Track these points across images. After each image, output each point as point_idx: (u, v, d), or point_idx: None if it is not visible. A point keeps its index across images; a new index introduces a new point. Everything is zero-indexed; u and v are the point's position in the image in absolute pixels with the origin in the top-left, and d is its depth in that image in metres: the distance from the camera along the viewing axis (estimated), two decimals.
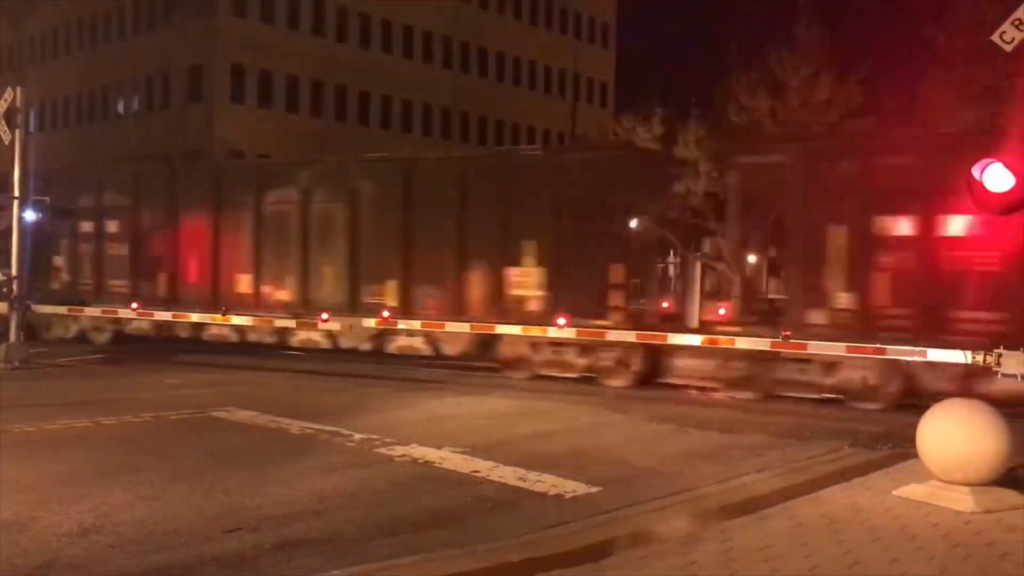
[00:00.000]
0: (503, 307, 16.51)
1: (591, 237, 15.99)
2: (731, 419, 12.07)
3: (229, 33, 43.77)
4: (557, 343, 15.98)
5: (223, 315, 19.18)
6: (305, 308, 18.31)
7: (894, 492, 7.35)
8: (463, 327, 16.91)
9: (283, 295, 18.87)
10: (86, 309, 21.22)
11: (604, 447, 9.89)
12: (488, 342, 16.79)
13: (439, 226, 17.21)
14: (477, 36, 54.53)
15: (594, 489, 7.82)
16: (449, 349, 17.24)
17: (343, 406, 12.53)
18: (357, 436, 10.11)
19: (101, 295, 21.06)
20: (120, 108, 48.93)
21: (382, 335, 17.74)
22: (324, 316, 18.12)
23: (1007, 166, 8.20)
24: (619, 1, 64.53)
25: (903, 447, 9.05)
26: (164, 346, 20.03)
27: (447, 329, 17.04)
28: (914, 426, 7.38)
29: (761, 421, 11.94)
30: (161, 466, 8.41)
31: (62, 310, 21.33)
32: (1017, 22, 8.35)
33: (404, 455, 9.14)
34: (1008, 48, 8.51)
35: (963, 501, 6.90)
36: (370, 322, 17.50)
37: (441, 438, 10.02)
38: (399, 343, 17.72)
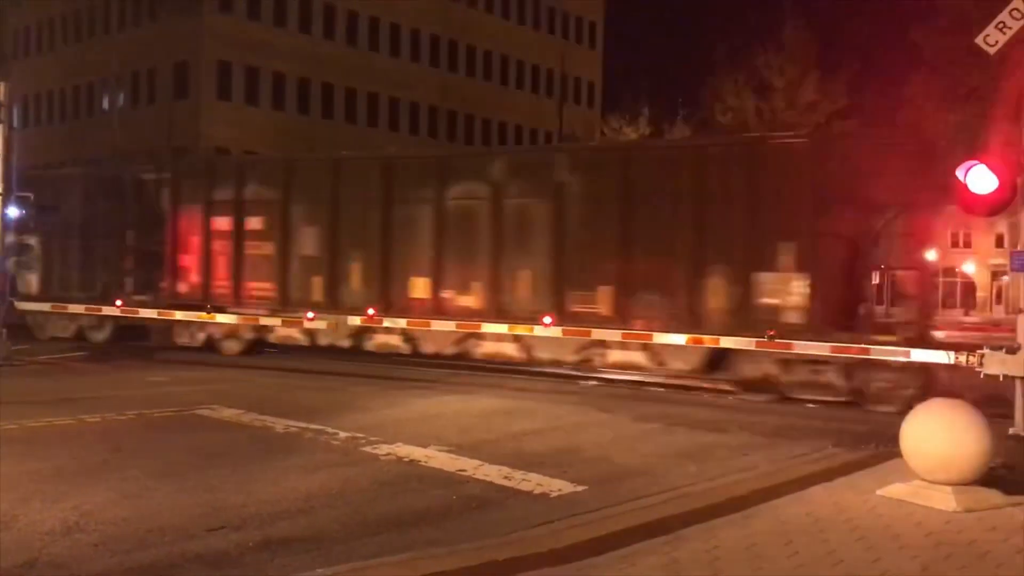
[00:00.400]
0: (749, 318, 14.17)
1: (873, 239, 13.79)
2: (717, 419, 12.11)
3: (215, 30, 43.65)
4: (815, 361, 13.72)
5: (207, 313, 19.04)
6: (497, 316, 16.23)
7: (878, 491, 7.40)
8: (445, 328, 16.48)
9: (468, 301, 16.64)
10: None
11: (590, 446, 9.89)
12: (720, 358, 14.54)
13: (666, 224, 14.97)
14: (464, 34, 54.57)
15: (579, 488, 7.83)
16: (677, 364, 14.99)
17: (329, 405, 12.50)
18: (342, 435, 10.09)
19: (240, 299, 18.86)
20: (105, 104, 48.67)
21: (591, 347, 15.54)
22: (310, 315, 17.97)
23: (990, 168, 8.25)
24: (606, 1, 64.76)
25: (887, 447, 9.11)
26: (150, 344, 19.92)
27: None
28: (898, 426, 7.43)
29: (747, 421, 11.98)
30: (145, 464, 8.37)
31: (149, 313, 19.62)
32: (1001, 25, 8.41)
33: (389, 454, 9.12)
34: (992, 51, 8.57)
35: (945, 500, 6.95)
36: (580, 332, 15.46)
37: (427, 437, 10.01)
38: (613, 358, 15.48)
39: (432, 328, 16.76)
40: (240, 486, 7.61)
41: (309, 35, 47.16)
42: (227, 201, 19.16)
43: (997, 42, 8.47)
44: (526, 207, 16.43)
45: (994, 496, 7.12)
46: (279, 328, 18.48)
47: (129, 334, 20.22)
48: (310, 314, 17.96)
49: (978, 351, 8.78)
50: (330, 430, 10.32)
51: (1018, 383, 8.35)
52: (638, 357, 15.22)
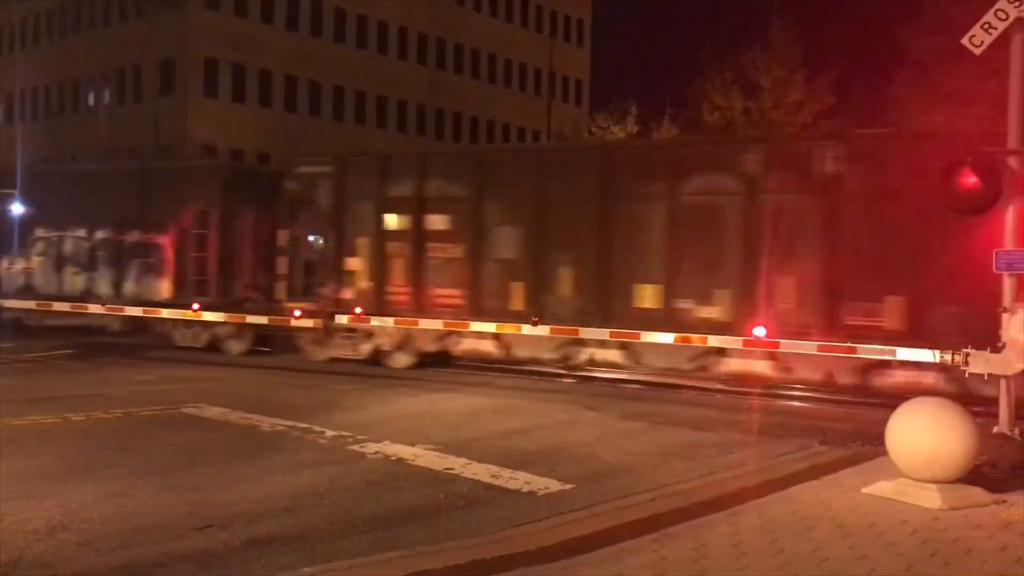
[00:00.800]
0: None
1: None
2: (703, 417, 12.14)
3: (202, 26, 43.45)
4: None
5: (194, 311, 18.92)
6: (750, 329, 13.99)
7: (863, 489, 7.44)
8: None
9: (710, 312, 14.48)
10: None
11: (577, 444, 9.91)
12: None
13: (982, 225, 11.39)
14: (453, 32, 54.51)
15: (567, 486, 7.84)
16: (990, 391, 12.80)
17: (315, 403, 12.48)
18: (329, 433, 10.07)
19: (421, 307, 16.80)
20: (91, 101, 48.41)
21: (874, 367, 13.34)
22: (297, 312, 17.82)
23: (974, 167, 8.30)
24: None
25: (872, 445, 9.16)
26: (132, 341, 19.80)
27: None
28: (883, 424, 7.48)
29: (733, 419, 12.02)
30: (131, 463, 8.34)
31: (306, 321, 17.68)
32: (986, 25, 8.46)
33: (377, 452, 9.11)
34: (977, 51, 8.62)
35: (931, 498, 7.00)
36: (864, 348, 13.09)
37: (414, 435, 10.00)
38: (898, 379, 13.16)
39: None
40: (226, 485, 7.58)
41: (296, 32, 47.01)
42: (405, 198, 17.32)
43: (983, 42, 8.52)
44: (786, 204, 14.15)
45: (979, 494, 7.17)
46: (467, 339, 16.61)
47: (270, 345, 19.01)
48: (297, 312, 17.84)
49: (963, 350, 8.81)
50: (317, 428, 10.30)
51: (1003, 382, 8.40)
52: (933, 379, 12.90)
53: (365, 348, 17.49)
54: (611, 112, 43.07)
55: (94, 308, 20.08)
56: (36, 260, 20.91)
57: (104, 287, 20.11)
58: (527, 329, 15.66)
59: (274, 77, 46.23)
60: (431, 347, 17.01)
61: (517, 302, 16.05)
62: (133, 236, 19.73)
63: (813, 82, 35.88)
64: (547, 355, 16.04)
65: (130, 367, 16.41)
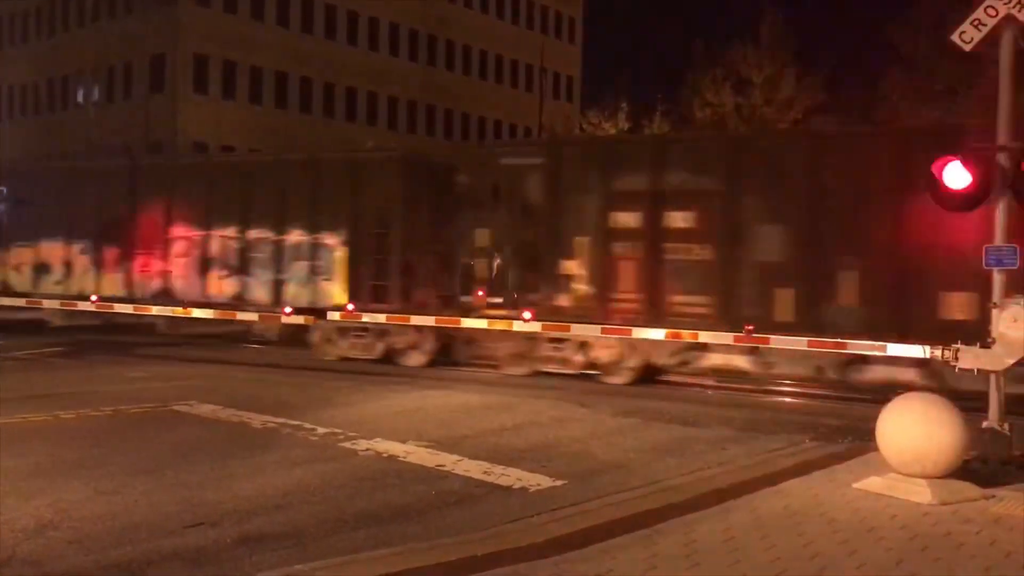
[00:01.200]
0: None
1: None
2: (694, 413, 12.17)
3: (192, 23, 43.29)
4: None
5: (184, 309, 18.87)
6: None
7: (854, 485, 7.46)
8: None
9: None
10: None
11: (569, 441, 9.92)
12: None
13: None
14: (444, 29, 54.45)
15: (559, 482, 7.85)
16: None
17: (307, 400, 12.46)
18: (321, 430, 10.06)
19: (658, 316, 14.83)
20: (80, 98, 48.16)
21: None
22: (288, 310, 17.77)
23: (965, 164, 8.33)
24: None
25: (863, 441, 9.19)
26: (125, 339, 19.76)
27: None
28: (874, 420, 7.50)
29: (724, 415, 12.05)
30: (121, 460, 8.32)
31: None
32: (976, 22, 8.48)
33: (368, 449, 9.11)
34: (967, 48, 8.64)
35: (921, 493, 7.02)
36: None
37: (406, 432, 10.00)
38: None
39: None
40: (217, 482, 7.57)
41: (287, 29, 46.87)
42: (636, 192, 15.27)
43: (972, 39, 8.54)
44: None
45: (969, 489, 7.20)
46: (714, 353, 14.69)
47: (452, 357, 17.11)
48: (288, 309, 17.78)
49: (953, 345, 8.84)
50: (308, 426, 10.29)
51: (992, 377, 8.43)
52: None
53: (578, 360, 15.65)
54: (602, 108, 43.14)
55: (84, 306, 19.96)
56: (176, 262, 19.25)
57: (260, 292, 18.32)
58: (518, 326, 15.67)
59: (264, 74, 46.10)
60: (663, 360, 15.20)
61: (783, 311, 14.01)
62: (295, 235, 17.96)
63: (804, 79, 36.01)
64: (833, 374, 13.98)
65: (122, 365, 16.35)
